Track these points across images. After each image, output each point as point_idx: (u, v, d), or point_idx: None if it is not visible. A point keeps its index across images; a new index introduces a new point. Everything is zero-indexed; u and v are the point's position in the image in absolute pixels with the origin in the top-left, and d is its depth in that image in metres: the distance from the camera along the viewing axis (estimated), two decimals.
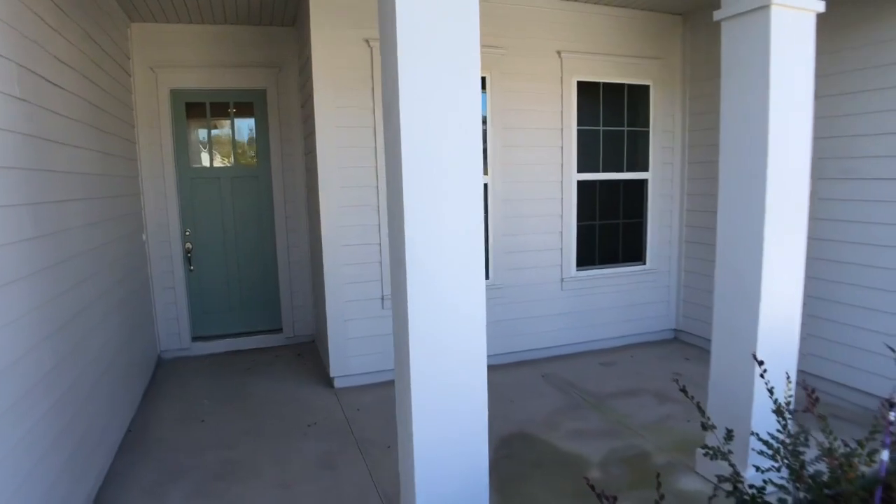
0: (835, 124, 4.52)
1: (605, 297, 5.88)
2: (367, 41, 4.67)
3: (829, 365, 4.69)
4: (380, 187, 4.85)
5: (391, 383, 5.32)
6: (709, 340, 6.01)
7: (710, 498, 2.53)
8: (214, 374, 5.42)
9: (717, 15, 3.35)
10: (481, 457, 2.76)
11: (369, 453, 3.91)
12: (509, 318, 5.48)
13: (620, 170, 5.86)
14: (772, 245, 3.25)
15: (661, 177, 5.97)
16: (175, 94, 5.58)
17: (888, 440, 2.19)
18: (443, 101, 2.38)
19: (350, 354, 4.95)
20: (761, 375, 2.92)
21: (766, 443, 2.66)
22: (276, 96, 5.77)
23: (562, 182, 5.55)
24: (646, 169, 5.91)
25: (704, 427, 2.89)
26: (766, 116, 3.13)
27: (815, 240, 4.71)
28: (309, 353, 5.96)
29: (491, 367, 5.16)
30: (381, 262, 4.95)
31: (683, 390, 3.15)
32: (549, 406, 4.62)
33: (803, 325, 3.56)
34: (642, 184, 5.96)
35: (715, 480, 3.59)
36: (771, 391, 2.80)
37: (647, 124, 5.85)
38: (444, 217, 2.43)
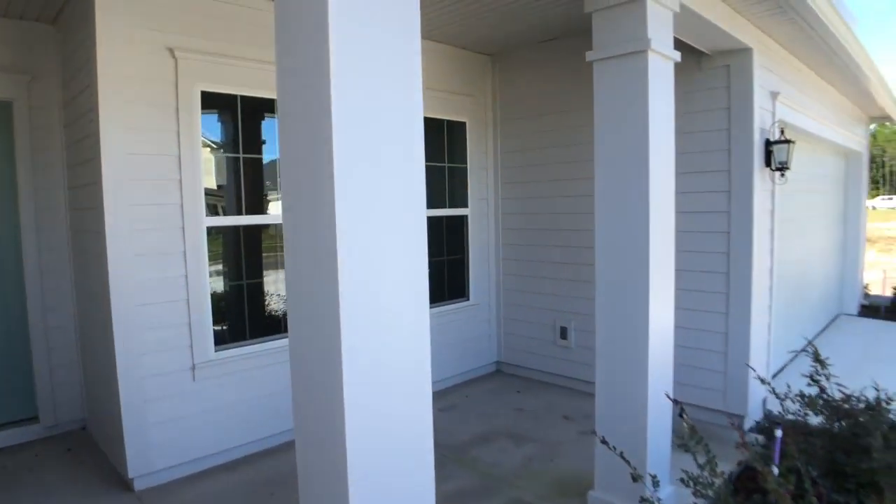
0: None
1: (434, 336, 5.40)
2: (170, 50, 3.58)
3: None
4: (186, 228, 3.75)
5: (214, 472, 4.10)
6: (530, 369, 6.05)
7: None
8: None
9: (590, 56, 3.16)
10: None
11: None
12: None
13: (444, 206, 5.51)
14: (654, 279, 3.10)
15: (479, 212, 5.78)
16: None
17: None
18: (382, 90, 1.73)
19: (154, 444, 3.67)
20: (680, 415, 2.70)
21: (696, 482, 2.50)
22: (26, 112, 4.19)
23: None
24: (465, 205, 5.65)
25: (635, 479, 2.57)
26: (647, 154, 2.99)
27: None
28: (83, 446, 4.37)
29: None
30: (189, 324, 3.80)
31: (604, 442, 2.80)
32: None
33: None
34: (463, 220, 5.68)
35: None
36: (693, 428, 2.60)
37: (465, 161, 5.61)
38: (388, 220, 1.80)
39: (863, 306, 8.95)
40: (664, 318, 3.23)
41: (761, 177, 4.44)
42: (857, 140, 8.58)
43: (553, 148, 5.37)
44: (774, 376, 5.17)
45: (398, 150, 1.83)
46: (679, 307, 4.61)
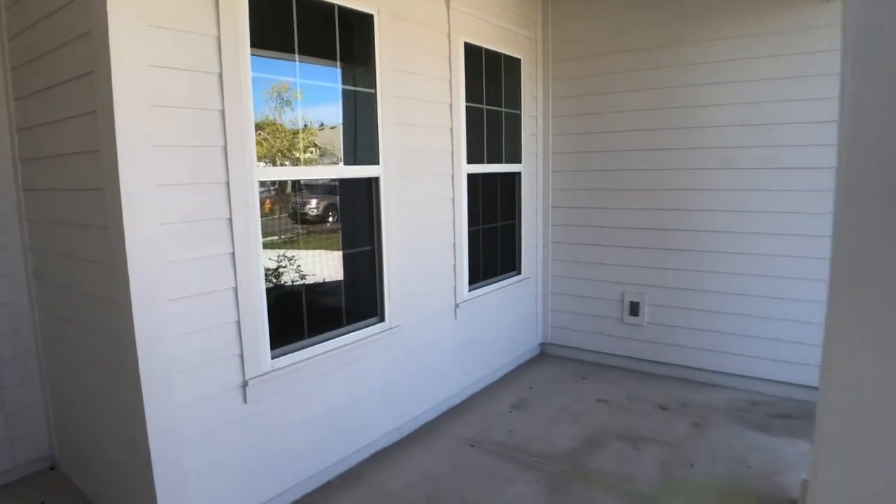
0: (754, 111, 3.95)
1: (491, 319, 4.40)
2: None
3: (750, 362, 4.16)
4: (232, 183, 2.49)
5: None
6: (585, 351, 5.11)
7: None
8: None
9: None
10: None
11: None
12: (408, 369, 3.58)
13: (500, 160, 4.45)
14: None
15: (530, 170, 4.78)
16: None
17: None
18: None
19: (192, 499, 2.46)
20: None
21: None
22: None
23: (452, 176, 3.87)
24: (518, 160, 4.63)
25: None
26: None
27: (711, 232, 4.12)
28: (61, 495, 3.02)
29: (398, 446, 3.46)
30: (238, 323, 2.56)
31: None
32: (534, 499, 2.96)
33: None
34: (515, 178, 4.66)
35: None
36: None
37: (518, 106, 4.56)
38: None
39: None
40: None
41: None
42: None
43: (625, 94, 4.43)
44: None
45: None
46: (788, 276, 3.96)
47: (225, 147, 2.43)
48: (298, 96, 2.83)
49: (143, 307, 2.21)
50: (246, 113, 2.49)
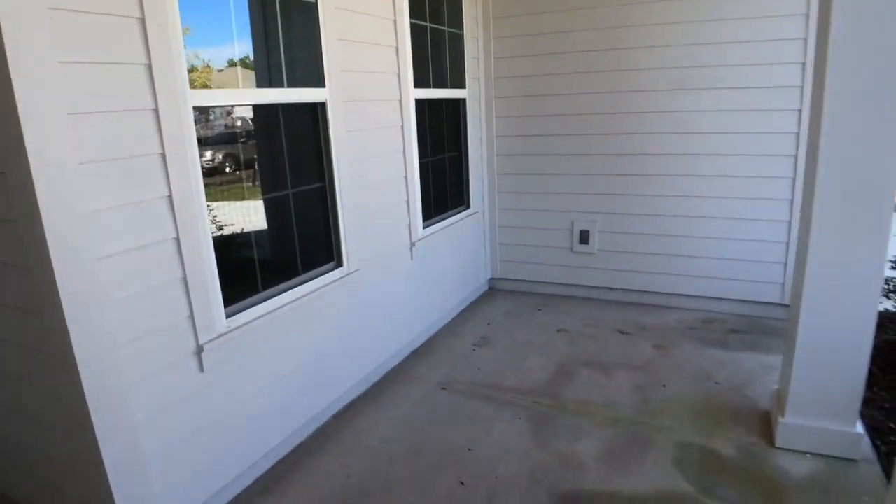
0: (702, 29, 3.83)
1: (445, 257, 4.15)
2: None
3: (719, 283, 4.23)
4: (161, 108, 2.00)
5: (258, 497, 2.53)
6: (535, 283, 5.07)
7: None
8: None
9: None
10: None
11: None
12: (370, 315, 3.29)
13: (444, 85, 4.08)
14: None
15: (473, 96, 4.45)
16: None
17: None
18: None
19: (153, 489, 2.10)
20: None
21: None
22: None
23: (401, 101, 3.48)
24: (462, 85, 4.28)
25: None
26: None
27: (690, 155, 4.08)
28: None
29: (369, 396, 3.37)
30: (184, 280, 2.15)
31: None
32: (519, 435, 2.84)
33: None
34: (459, 105, 4.32)
35: (810, 450, 2.65)
36: None
37: (460, 25, 4.18)
38: None
39: None
40: None
41: None
42: None
43: (570, 12, 4.16)
44: None
45: None
46: (736, 196, 4.00)
47: (150, 66, 1.94)
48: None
49: (68, 270, 1.75)
50: (172, 21, 1.99)
